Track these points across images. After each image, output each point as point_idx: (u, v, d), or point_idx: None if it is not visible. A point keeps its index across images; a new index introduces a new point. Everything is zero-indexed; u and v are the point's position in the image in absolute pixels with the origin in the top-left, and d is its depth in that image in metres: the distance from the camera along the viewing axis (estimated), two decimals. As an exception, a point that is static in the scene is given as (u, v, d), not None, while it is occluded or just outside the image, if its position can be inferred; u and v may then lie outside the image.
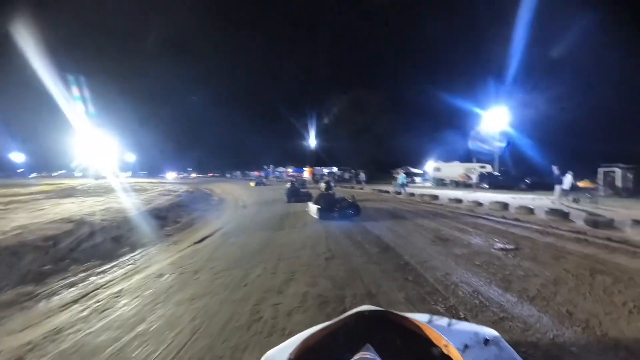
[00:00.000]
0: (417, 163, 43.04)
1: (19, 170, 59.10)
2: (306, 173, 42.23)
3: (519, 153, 32.82)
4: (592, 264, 4.69)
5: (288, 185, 24.00)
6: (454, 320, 1.40)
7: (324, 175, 40.99)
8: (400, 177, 19.57)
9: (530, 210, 9.81)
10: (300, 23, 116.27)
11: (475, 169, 28.47)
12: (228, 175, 73.51)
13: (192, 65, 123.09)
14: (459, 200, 13.35)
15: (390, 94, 64.81)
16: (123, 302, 3.75)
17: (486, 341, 1.20)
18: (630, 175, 18.40)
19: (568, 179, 14.40)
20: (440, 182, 31.91)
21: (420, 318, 1.32)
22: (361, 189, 25.08)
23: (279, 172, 52.18)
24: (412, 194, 17.19)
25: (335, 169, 46.33)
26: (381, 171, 44.19)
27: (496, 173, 27.14)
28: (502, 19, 37.74)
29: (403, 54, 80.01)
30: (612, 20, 31.71)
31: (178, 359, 2.51)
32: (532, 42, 36.34)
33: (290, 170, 53.67)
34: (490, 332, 1.28)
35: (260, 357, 1.09)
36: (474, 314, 3.20)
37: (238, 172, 73.73)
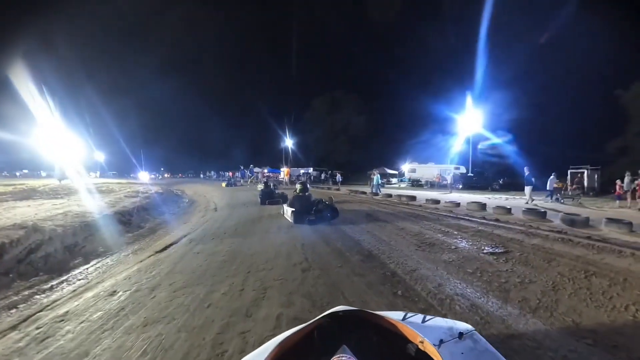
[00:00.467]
0: (393, 164, 43.32)
1: (-23, 170, 54.98)
2: (283, 174, 41.27)
3: (492, 155, 33.65)
4: (584, 265, 4.58)
5: (260, 186, 23.33)
6: (428, 317, 1.41)
7: (300, 175, 40.32)
8: (376, 177, 19.28)
9: (508, 210, 9.86)
10: (277, 23, 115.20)
11: (449, 170, 28.89)
12: (202, 176, 71.27)
13: (168, 65, 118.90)
14: (437, 201, 13.19)
15: (366, 95, 64.95)
16: (67, 328, 3.21)
17: (461, 335, 1.23)
18: (596, 176, 19.76)
19: (551, 181, 14.79)
20: (415, 183, 32.15)
21: (394, 316, 1.34)
22: (337, 189, 24.64)
23: (255, 172, 51.01)
24: (390, 195, 16.88)
25: (311, 170, 45.74)
26: (357, 172, 44.20)
27: (470, 174, 27.57)
28: (476, 24, 38.61)
29: (380, 56, 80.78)
30: (583, 31, 33.08)
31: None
32: (505, 49, 37.59)
33: (265, 170, 52.64)
34: (464, 326, 1.33)
35: None
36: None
37: (213, 173, 71.81)
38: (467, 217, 9.27)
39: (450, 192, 21.94)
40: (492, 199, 15.29)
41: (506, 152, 32.76)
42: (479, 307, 3.30)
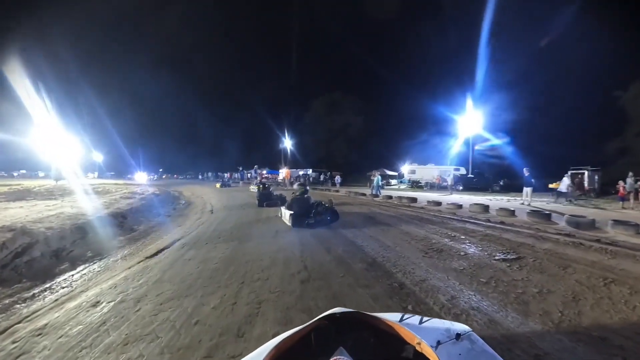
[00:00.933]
0: (392, 165, 43.02)
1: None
2: (282, 175, 40.82)
3: (493, 156, 33.44)
4: (601, 272, 4.37)
5: (253, 187, 23.38)
6: (425, 318, 1.40)
7: (299, 177, 39.95)
8: (376, 179, 18.92)
9: (512, 212, 9.65)
10: (276, 24, 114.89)
11: (449, 172, 28.62)
12: (200, 177, 70.87)
13: (167, 66, 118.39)
14: (438, 203, 12.94)
15: (365, 96, 64.68)
16: (44, 343, 2.94)
17: (458, 336, 1.22)
18: (596, 177, 19.60)
19: (565, 182, 14.55)
20: (415, 184, 31.88)
21: (392, 317, 1.34)
22: (337, 191, 24.29)
23: (254, 173, 50.67)
24: (390, 197, 16.54)
25: (310, 171, 45.39)
26: (356, 173, 43.92)
27: (470, 175, 27.30)
28: (477, 26, 38.47)
29: (379, 57, 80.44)
30: (582, 32, 32.93)
31: None
32: (505, 50, 37.43)
33: (264, 172, 52.28)
34: (461, 327, 1.32)
35: None
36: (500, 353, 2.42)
37: (210, 174, 71.51)
38: (472, 220, 8.95)
39: (451, 194, 21.68)
40: (494, 201, 15.04)
41: (506, 153, 32.59)
42: (498, 324, 2.97)
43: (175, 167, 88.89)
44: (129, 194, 17.12)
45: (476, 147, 31.51)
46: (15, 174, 59.34)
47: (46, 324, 3.34)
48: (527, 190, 13.65)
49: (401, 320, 1.37)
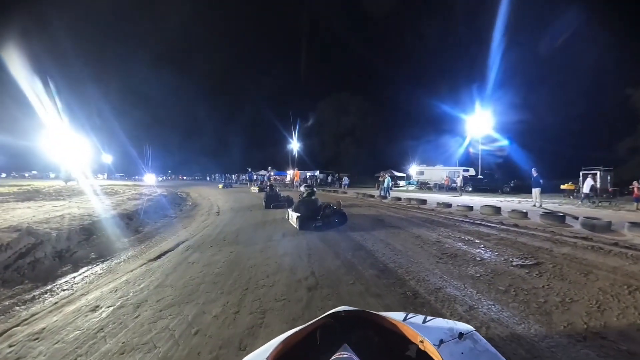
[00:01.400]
0: (400, 166, 42.67)
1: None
2: (289, 176, 40.67)
3: (503, 156, 32.94)
4: (624, 279, 4.15)
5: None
6: (429, 317, 1.42)
7: (306, 178, 39.82)
8: (387, 180, 18.65)
9: (524, 214, 9.45)
10: (283, 26, 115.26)
11: (458, 173, 28.24)
12: (208, 178, 71.20)
13: (176, 68, 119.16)
14: (448, 205, 12.67)
15: (373, 97, 64.49)
16: (40, 349, 2.87)
17: (461, 335, 1.23)
18: (609, 178, 19.21)
19: (588, 183, 14.15)
20: (424, 186, 31.52)
21: (395, 316, 1.35)
22: (345, 193, 24.06)
23: (261, 175, 50.67)
24: (399, 198, 16.28)
25: (317, 173, 45.23)
26: (364, 175, 43.66)
27: (480, 176, 26.88)
28: (488, 26, 38.05)
29: (386, 58, 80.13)
30: (594, 31, 32.28)
31: None
32: (515, 50, 36.89)
33: (272, 173, 52.29)
34: (465, 326, 1.33)
35: None
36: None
37: (217, 175, 71.89)
38: (484, 223, 8.68)
39: (461, 195, 21.34)
40: (505, 202, 14.74)
41: (515, 154, 32.06)
42: (520, 337, 2.75)
43: (183, 168, 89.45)
44: (137, 195, 17.10)
45: (485, 148, 31.01)
46: (26, 175, 60.61)
47: (44, 328, 3.25)
48: (535, 191, 13.32)
49: (405, 319, 1.38)
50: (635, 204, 12.44)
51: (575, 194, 19.15)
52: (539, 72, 39.65)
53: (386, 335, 1.27)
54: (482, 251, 5.62)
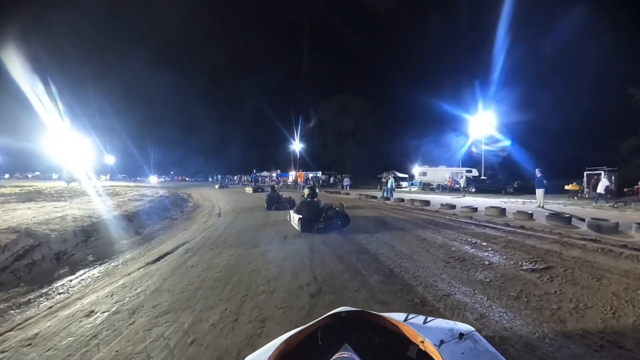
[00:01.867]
0: (403, 167, 42.47)
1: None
2: (292, 177, 40.54)
3: (506, 157, 32.71)
4: (637, 282, 4.04)
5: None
6: (429, 318, 1.43)
7: (308, 180, 39.70)
8: (390, 181, 18.49)
9: (530, 216, 9.34)
10: (285, 26, 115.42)
11: (461, 173, 28.06)
12: (210, 179, 71.25)
13: (176, 69, 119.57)
14: (452, 206, 12.52)
15: (375, 97, 64.23)
16: (32, 355, 2.80)
17: (461, 335, 1.23)
18: (613, 178, 18.78)
19: (603, 183, 13.95)
20: (426, 187, 31.33)
21: (396, 317, 1.35)
22: (347, 194, 23.92)
23: (263, 176, 50.69)
24: (402, 200, 16.14)
25: (319, 174, 45.10)
26: (366, 176, 43.47)
27: (483, 177, 26.67)
28: (490, 25, 37.85)
29: (388, 58, 79.89)
30: (599, 29, 32.03)
31: None
32: (518, 49, 36.68)
33: (274, 174, 52.23)
34: (465, 327, 1.33)
35: None
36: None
37: (219, 176, 72.02)
38: (490, 225, 8.52)
39: (464, 196, 21.19)
40: (509, 203, 14.54)
41: (517, 154, 31.80)
42: (536, 348, 2.59)
43: (186, 169, 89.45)
44: (138, 196, 16.99)
45: (488, 148, 30.79)
46: (29, 176, 60.87)
47: (37, 334, 3.17)
48: (539, 192, 13.16)
49: (406, 319, 1.37)
50: None
51: (579, 195, 18.97)
52: (542, 72, 39.35)
53: (387, 335, 1.29)
54: (491, 254, 5.46)
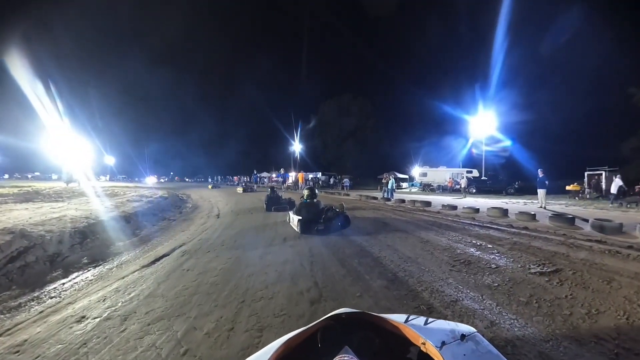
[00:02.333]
0: (403, 168, 42.35)
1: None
2: (292, 178, 40.32)
3: (506, 157, 32.61)
4: None
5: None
6: (430, 319, 1.38)
7: (308, 180, 39.53)
8: (391, 182, 18.34)
9: (532, 217, 9.28)
10: (285, 28, 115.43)
11: (462, 174, 27.93)
12: (210, 180, 71.13)
13: (177, 70, 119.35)
14: (454, 207, 12.42)
15: (375, 98, 64.13)
16: None
17: (463, 337, 1.20)
18: (615, 178, 18.45)
19: (616, 183, 13.84)
20: (427, 187, 31.19)
21: (397, 318, 1.33)
22: (347, 195, 23.77)
23: (263, 177, 50.57)
24: (402, 201, 15.99)
25: (319, 175, 44.96)
26: (366, 176, 43.35)
27: (484, 178, 26.54)
28: (490, 25, 37.78)
29: (389, 59, 79.87)
30: (599, 29, 31.96)
31: None
32: (518, 49, 36.62)
33: (274, 175, 52.10)
34: (466, 328, 1.30)
35: None
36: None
37: (219, 177, 71.95)
38: (494, 226, 8.38)
39: (465, 197, 21.05)
40: (510, 204, 14.44)
41: (518, 154, 31.72)
42: (550, 357, 2.46)
43: (187, 170, 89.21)
44: (137, 196, 16.81)
45: (488, 148, 30.68)
46: (29, 176, 60.82)
47: (26, 340, 3.05)
48: (541, 192, 13.06)
49: (406, 321, 1.35)
50: None
51: (580, 195, 18.85)
52: (543, 72, 39.32)
53: (387, 337, 1.28)
54: (497, 257, 5.30)
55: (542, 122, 35.37)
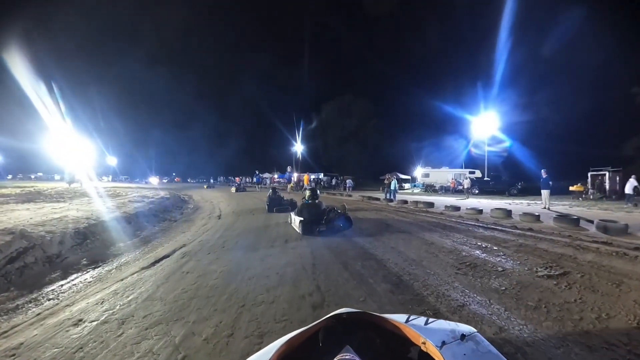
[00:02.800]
0: (405, 169, 42.19)
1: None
2: (295, 179, 40.16)
3: (509, 157, 32.47)
4: None
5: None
6: (431, 319, 1.40)
7: (310, 181, 39.45)
8: (393, 182, 18.22)
9: (537, 217, 9.19)
10: (286, 28, 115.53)
11: (464, 175, 27.79)
12: (211, 181, 71.13)
13: (179, 70, 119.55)
14: (457, 208, 12.34)
15: (377, 99, 63.97)
16: None
17: (463, 337, 1.22)
18: (618, 178, 18.66)
19: (631, 183, 13.70)
20: (429, 188, 31.05)
21: (398, 318, 1.35)
22: (349, 196, 23.69)
23: (265, 177, 50.46)
24: (405, 202, 15.89)
25: (321, 175, 44.83)
26: (368, 177, 43.22)
27: (487, 178, 26.40)
28: (492, 26, 37.66)
29: (390, 59, 79.74)
30: (601, 29, 31.77)
31: None
32: (520, 50, 36.47)
33: (275, 176, 52.05)
34: (467, 328, 1.32)
35: None
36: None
37: (222, 178, 72.02)
38: (498, 227, 8.27)
39: (467, 198, 20.93)
40: (514, 205, 14.33)
41: (520, 155, 31.57)
42: (562, 366, 2.36)
43: (188, 171, 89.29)
44: (139, 197, 16.84)
45: (491, 149, 30.53)
46: (32, 177, 61.13)
47: (22, 343, 3.02)
48: (544, 193, 12.94)
49: (407, 321, 1.36)
50: None
51: (584, 195, 18.70)
52: (545, 72, 39.13)
53: (388, 337, 1.28)
54: (503, 260, 5.20)
55: (545, 122, 35.26)
